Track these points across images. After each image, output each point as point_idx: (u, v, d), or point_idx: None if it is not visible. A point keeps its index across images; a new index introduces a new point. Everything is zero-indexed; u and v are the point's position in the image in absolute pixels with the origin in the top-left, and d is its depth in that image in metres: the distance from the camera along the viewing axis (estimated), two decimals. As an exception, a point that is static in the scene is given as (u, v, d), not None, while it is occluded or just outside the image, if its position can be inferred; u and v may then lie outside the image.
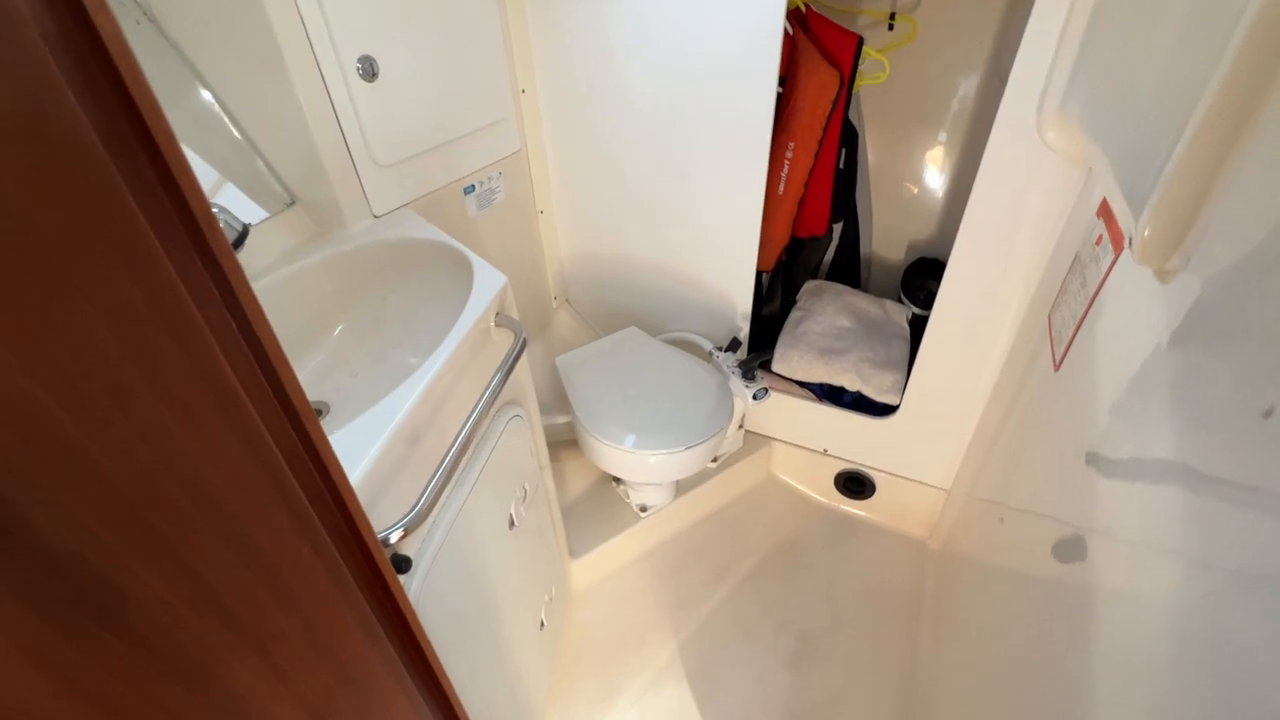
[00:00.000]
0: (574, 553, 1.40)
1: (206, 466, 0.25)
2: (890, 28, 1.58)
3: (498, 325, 0.91)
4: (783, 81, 1.37)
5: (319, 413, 0.89)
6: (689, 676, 1.30)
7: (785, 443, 1.66)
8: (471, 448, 0.86)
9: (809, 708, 1.25)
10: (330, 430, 0.63)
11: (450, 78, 1.18)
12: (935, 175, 1.77)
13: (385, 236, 1.03)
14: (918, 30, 1.55)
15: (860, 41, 1.38)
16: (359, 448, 0.63)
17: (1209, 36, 0.52)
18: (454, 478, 0.78)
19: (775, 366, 1.56)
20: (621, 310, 1.72)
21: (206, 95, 0.94)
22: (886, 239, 1.90)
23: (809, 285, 1.75)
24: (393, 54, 1.04)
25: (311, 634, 0.32)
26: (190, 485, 0.24)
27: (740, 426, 1.61)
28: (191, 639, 0.24)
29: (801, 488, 1.70)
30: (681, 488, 1.54)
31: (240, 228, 0.77)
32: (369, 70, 1.00)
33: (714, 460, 1.60)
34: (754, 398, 1.43)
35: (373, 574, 0.43)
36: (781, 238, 1.57)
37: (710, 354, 1.55)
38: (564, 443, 1.60)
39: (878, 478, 1.58)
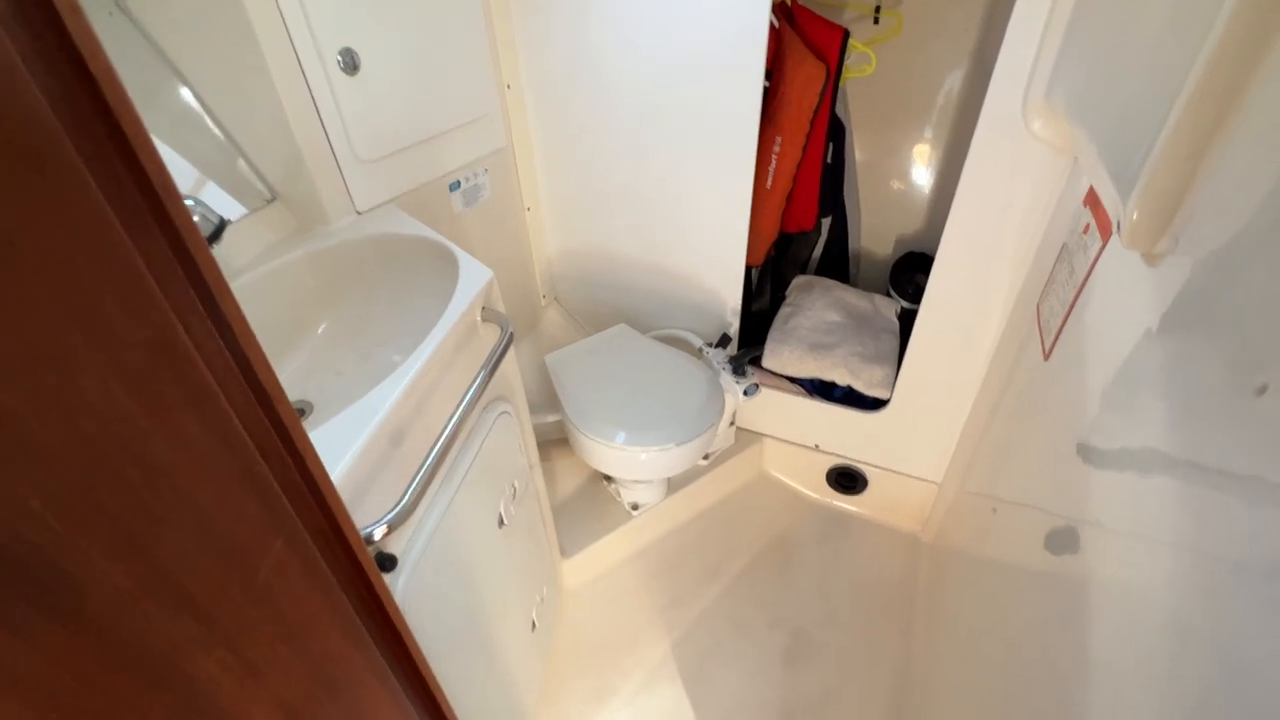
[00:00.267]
0: (565, 552, 1.39)
1: (169, 450, 0.24)
2: (876, 21, 1.58)
3: (484, 320, 0.90)
4: (769, 75, 1.37)
5: (302, 412, 0.87)
6: (683, 675, 1.29)
7: (776, 439, 1.66)
8: (458, 444, 0.84)
9: (804, 704, 1.24)
10: (312, 429, 0.61)
11: (433, 72, 1.16)
12: (922, 169, 1.77)
13: (368, 232, 1.01)
14: (903, 24, 1.55)
15: (846, 34, 1.38)
16: (341, 444, 0.61)
17: (1194, 17, 0.52)
18: (440, 474, 0.76)
19: (765, 362, 1.55)
20: (611, 307, 1.71)
21: (183, 89, 0.92)
22: (875, 233, 1.91)
23: (798, 280, 1.74)
24: (375, 47, 1.02)
25: (286, 629, 0.31)
26: (150, 469, 0.23)
27: (731, 423, 1.60)
28: (154, 631, 0.23)
29: (793, 484, 1.69)
30: (673, 485, 1.53)
31: (217, 221, 0.75)
32: (350, 63, 0.99)
33: (705, 457, 1.59)
34: (745, 394, 1.43)
35: (354, 570, 0.42)
36: (770, 232, 1.57)
37: (700, 350, 1.54)
38: (554, 441, 1.58)
39: (869, 472, 1.58)
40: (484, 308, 0.89)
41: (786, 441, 1.64)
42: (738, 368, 1.46)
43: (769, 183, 1.48)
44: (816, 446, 1.61)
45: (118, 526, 0.21)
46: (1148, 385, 0.57)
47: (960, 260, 1.21)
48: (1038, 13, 0.94)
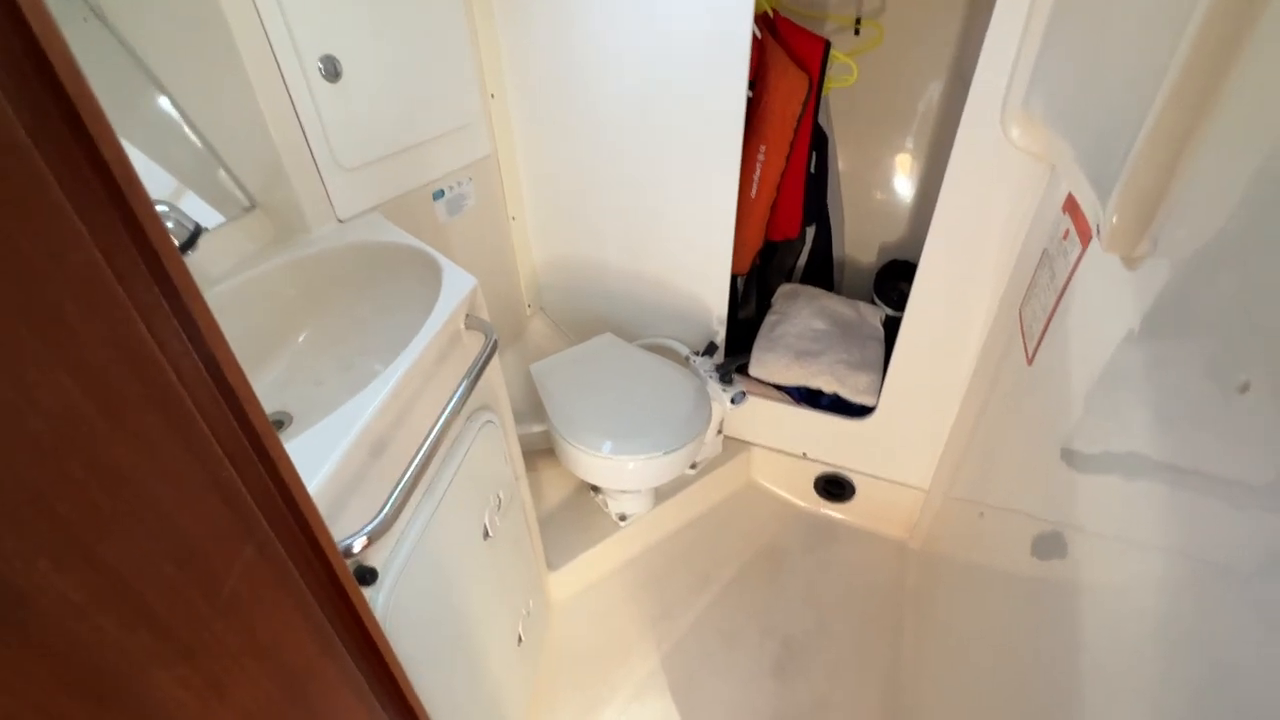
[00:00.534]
0: (552, 564, 1.37)
1: (127, 453, 0.23)
2: (857, 32, 1.60)
3: (468, 327, 0.88)
4: (753, 86, 1.38)
5: (281, 423, 0.85)
6: (673, 688, 1.27)
7: (764, 447, 1.65)
8: (441, 454, 0.83)
9: (795, 714, 1.23)
10: (291, 439, 0.59)
11: (416, 79, 1.15)
12: (904, 178, 1.79)
13: (350, 240, 1.00)
14: (883, 35, 1.58)
15: (828, 45, 1.40)
16: (319, 454, 0.60)
17: (1167, 23, 0.53)
18: (422, 484, 0.75)
19: (752, 370, 1.55)
20: (596, 317, 1.70)
21: (161, 98, 0.91)
22: (858, 242, 1.92)
23: (783, 289, 1.75)
24: (356, 54, 1.01)
25: (255, 643, 0.30)
26: (107, 472, 0.22)
27: (719, 432, 1.60)
28: (106, 646, 0.21)
29: (781, 492, 1.69)
30: (661, 495, 1.52)
31: (192, 227, 0.73)
32: (331, 70, 0.98)
33: (693, 466, 1.58)
34: (731, 402, 1.42)
35: (331, 583, 0.40)
36: (755, 240, 1.57)
37: (687, 359, 1.54)
38: (540, 452, 1.56)
39: (857, 479, 1.58)
40: (468, 315, 0.88)
41: (774, 450, 1.64)
42: (724, 376, 1.46)
43: (753, 192, 1.48)
44: (804, 454, 1.61)
45: (69, 534, 0.20)
46: (1130, 388, 0.57)
47: (943, 267, 1.22)
48: (1015, 23, 0.96)
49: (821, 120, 1.66)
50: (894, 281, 1.77)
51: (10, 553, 0.18)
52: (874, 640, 1.35)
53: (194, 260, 0.83)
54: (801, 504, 1.66)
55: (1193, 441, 0.46)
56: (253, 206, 0.99)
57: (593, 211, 1.53)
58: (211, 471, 0.27)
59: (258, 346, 0.90)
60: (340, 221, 1.05)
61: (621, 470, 1.25)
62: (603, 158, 1.43)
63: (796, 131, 1.41)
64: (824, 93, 1.51)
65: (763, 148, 1.43)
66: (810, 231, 1.82)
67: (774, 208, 1.54)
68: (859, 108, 1.73)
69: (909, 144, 1.74)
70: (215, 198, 0.95)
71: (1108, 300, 0.67)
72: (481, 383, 0.86)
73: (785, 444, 1.62)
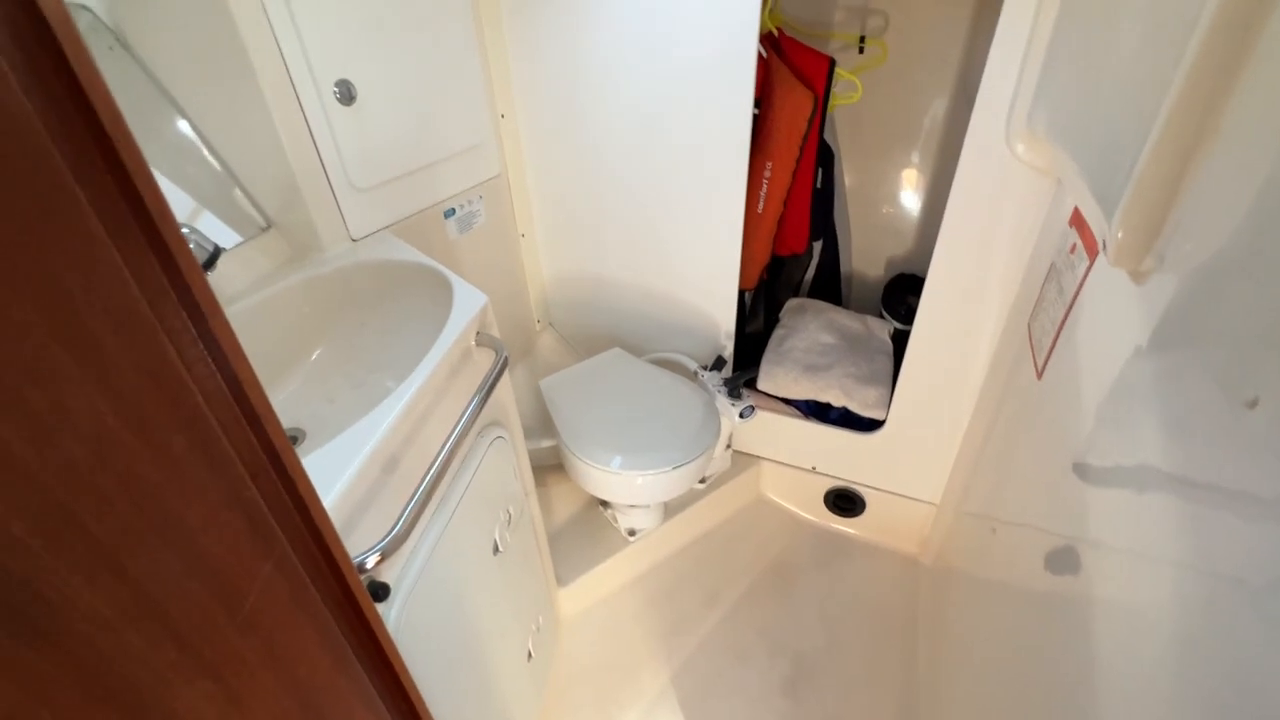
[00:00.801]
0: (561, 580, 1.37)
1: (155, 471, 0.24)
2: (861, 51, 1.62)
3: (479, 344, 0.89)
4: (759, 104, 1.39)
5: (294, 440, 0.87)
6: (683, 705, 1.26)
7: (773, 461, 1.65)
8: (452, 469, 0.83)
9: (807, 734, 1.21)
10: (304, 456, 0.60)
11: (429, 101, 1.18)
12: (910, 192, 1.80)
13: (363, 259, 1.01)
14: (887, 53, 1.60)
15: (832, 63, 1.42)
16: (333, 471, 0.61)
17: (1170, 38, 0.54)
18: (434, 501, 0.75)
19: (760, 384, 1.55)
20: (605, 332, 1.71)
21: (180, 121, 0.93)
22: (866, 256, 1.93)
23: (791, 303, 1.76)
24: (370, 78, 1.04)
25: (273, 658, 0.30)
26: (137, 491, 0.22)
27: (728, 446, 1.60)
28: (131, 658, 0.22)
29: (791, 507, 1.68)
30: (670, 510, 1.52)
31: (211, 248, 0.75)
32: (346, 94, 1.00)
33: (702, 481, 1.58)
34: (740, 416, 1.42)
35: (346, 599, 0.41)
36: (762, 256, 1.58)
37: (695, 373, 1.54)
38: (549, 467, 1.57)
39: (867, 494, 1.57)
40: (479, 332, 0.89)
41: (783, 464, 1.64)
42: (733, 390, 1.46)
43: (760, 207, 1.50)
44: (814, 469, 1.60)
45: (101, 551, 0.21)
46: (1140, 402, 0.57)
47: (950, 281, 1.22)
48: (1018, 40, 0.97)
49: (827, 136, 1.67)
50: (902, 295, 1.77)
51: (47, 568, 0.19)
52: (886, 657, 1.33)
53: (212, 280, 0.84)
54: (812, 519, 1.65)
55: (1203, 456, 0.46)
56: (269, 227, 1.01)
57: (601, 228, 1.55)
58: (234, 490, 0.28)
59: (272, 364, 0.92)
60: (354, 241, 1.07)
61: (631, 485, 1.25)
62: (611, 175, 1.45)
63: (802, 148, 1.42)
64: (829, 110, 1.53)
65: (769, 164, 1.44)
66: (817, 246, 1.83)
67: (781, 223, 1.55)
68: (864, 124, 1.74)
69: (915, 159, 1.75)
70: (233, 218, 0.97)
71: (1116, 314, 0.67)
72: (492, 399, 0.87)
73: (794, 458, 1.62)
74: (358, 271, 1.01)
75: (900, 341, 1.50)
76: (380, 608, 0.67)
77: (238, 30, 0.85)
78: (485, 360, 0.92)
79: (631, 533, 1.46)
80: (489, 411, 0.96)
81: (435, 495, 0.73)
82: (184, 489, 0.25)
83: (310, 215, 0.99)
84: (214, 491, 0.26)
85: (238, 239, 0.96)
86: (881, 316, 1.73)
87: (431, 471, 0.69)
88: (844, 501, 1.61)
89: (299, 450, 0.83)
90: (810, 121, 1.38)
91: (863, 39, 1.61)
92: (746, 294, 1.75)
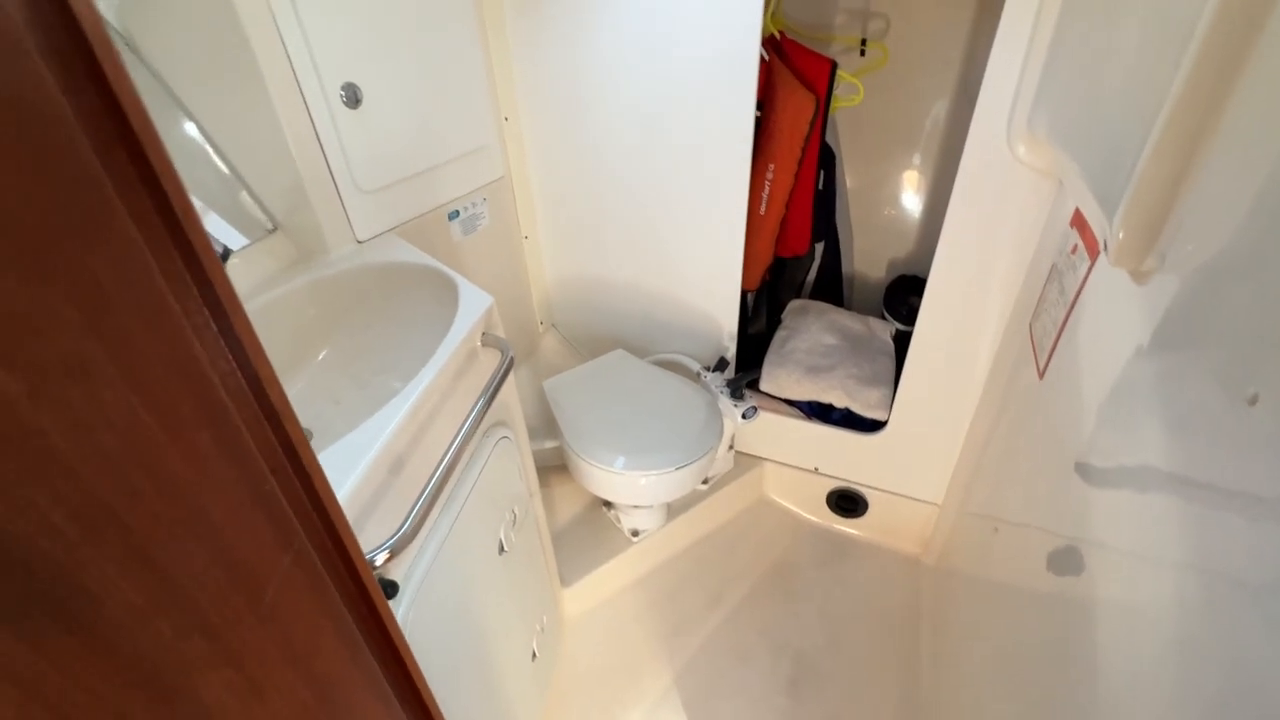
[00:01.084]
0: (565, 580, 1.37)
1: (183, 465, 0.24)
2: (862, 53, 1.63)
3: (484, 345, 0.90)
4: (761, 106, 1.40)
5: (301, 439, 0.87)
6: (686, 706, 1.26)
7: (776, 462, 1.65)
8: (458, 469, 0.84)
9: (810, 734, 1.22)
10: (312, 451, 0.61)
11: (433, 104, 1.19)
12: (912, 194, 1.81)
13: (368, 261, 1.02)
14: (888, 55, 1.60)
15: (834, 66, 1.43)
16: (341, 471, 0.61)
17: (1170, 39, 0.54)
18: (441, 500, 0.76)
19: (763, 385, 1.56)
20: (608, 333, 1.72)
21: (188, 124, 0.94)
22: (867, 257, 1.93)
23: (793, 304, 1.76)
24: (376, 81, 1.05)
25: (291, 650, 0.31)
26: (166, 484, 0.23)
27: (730, 447, 1.60)
28: (160, 646, 0.23)
29: (794, 508, 1.68)
30: (673, 511, 1.52)
31: (221, 250, 0.76)
32: (352, 97, 1.01)
33: (705, 482, 1.59)
34: (743, 417, 1.43)
35: (359, 593, 0.41)
36: (765, 257, 1.59)
37: (698, 374, 1.55)
38: (553, 468, 1.57)
39: (870, 495, 1.58)
40: (484, 333, 0.90)
41: (786, 465, 1.64)
42: (735, 391, 1.47)
43: (762, 209, 1.50)
44: (816, 469, 1.60)
45: (133, 542, 0.21)
46: (1142, 401, 0.58)
47: (952, 282, 1.23)
48: (1019, 42, 0.98)
49: (829, 138, 1.68)
50: (904, 296, 1.78)
51: (84, 557, 0.19)
52: (889, 657, 1.33)
53: (220, 281, 0.85)
54: (814, 519, 1.66)
55: (1204, 455, 0.46)
56: (275, 229, 1.01)
57: (604, 230, 1.56)
58: (255, 484, 0.28)
59: (278, 365, 0.91)
60: (359, 243, 1.08)
61: (634, 485, 1.26)
62: (614, 177, 1.45)
63: (804, 150, 1.43)
64: (831, 112, 1.53)
65: (771, 166, 1.45)
66: (819, 247, 1.83)
67: (783, 224, 1.56)
68: (866, 126, 1.75)
69: (916, 160, 1.76)
70: (239, 221, 0.98)
71: (1117, 315, 0.68)
72: (497, 399, 0.87)
73: (797, 459, 1.62)
74: (363, 273, 1.01)
75: (902, 342, 1.51)
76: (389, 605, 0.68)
77: (246, 35, 0.86)
78: (490, 361, 0.92)
79: (635, 533, 1.47)
80: (494, 412, 0.97)
81: (442, 494, 0.73)
82: (209, 482, 0.25)
83: (316, 217, 1.00)
84: (236, 485, 0.27)
85: (245, 241, 0.96)
86: (883, 317, 1.73)
87: (439, 471, 0.70)
88: (846, 502, 1.61)
89: (306, 450, 0.83)
90: (812, 124, 1.39)
91: (864, 42, 1.62)
92: (749, 295, 1.76)
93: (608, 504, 1.51)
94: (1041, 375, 0.92)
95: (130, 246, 0.22)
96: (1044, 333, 0.93)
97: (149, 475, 0.22)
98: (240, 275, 0.93)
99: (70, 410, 0.19)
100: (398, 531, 0.62)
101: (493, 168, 1.40)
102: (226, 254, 0.77)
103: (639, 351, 1.60)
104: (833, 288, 1.89)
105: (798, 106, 1.38)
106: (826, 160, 1.62)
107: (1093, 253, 0.79)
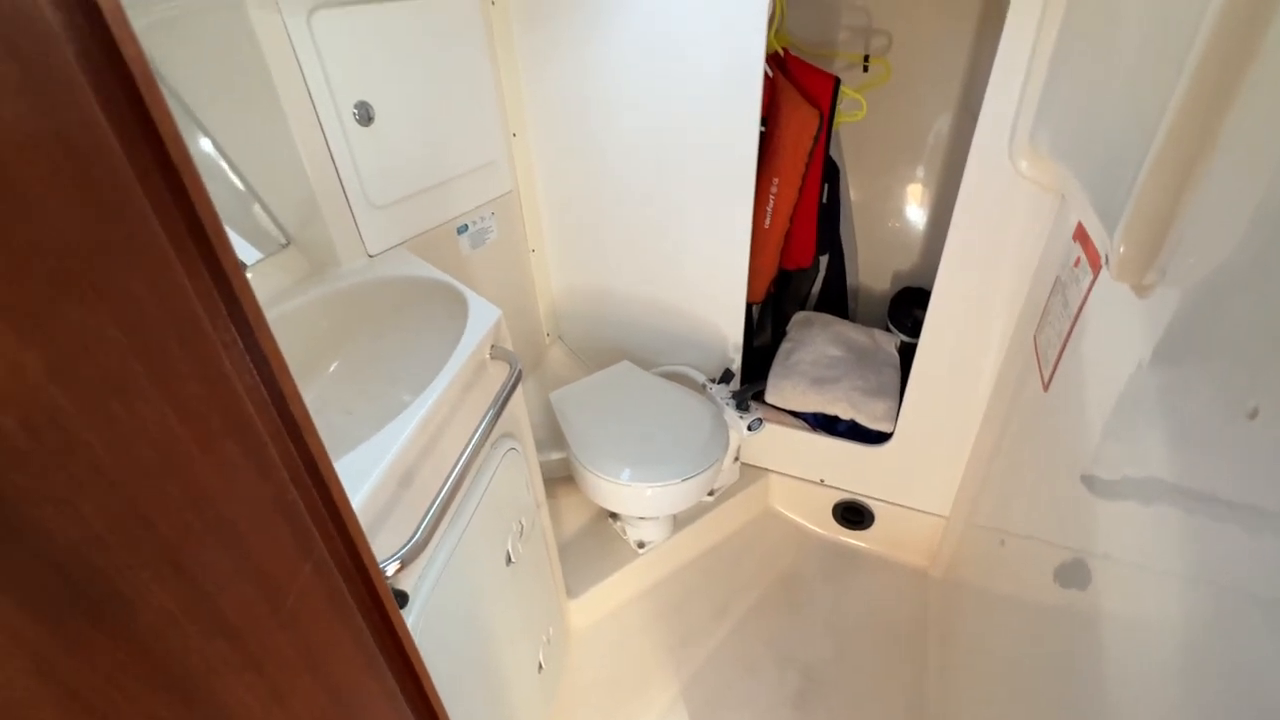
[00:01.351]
0: (572, 592, 1.37)
1: (212, 476, 0.25)
2: (865, 69, 1.65)
3: (493, 357, 0.91)
4: (765, 121, 1.42)
5: (312, 450, 0.88)
6: (692, 718, 1.26)
7: (782, 474, 1.65)
8: (468, 480, 0.85)
9: (817, 748, 1.21)
10: (325, 462, 0.62)
11: (443, 122, 1.21)
12: (916, 207, 1.82)
13: (379, 274, 1.04)
14: (891, 71, 1.62)
15: (837, 82, 1.44)
16: (353, 482, 0.62)
17: (1168, 55, 0.55)
18: (451, 510, 0.77)
19: (768, 397, 1.56)
20: (614, 345, 1.73)
21: (203, 140, 0.96)
22: (872, 270, 1.94)
23: (798, 316, 1.77)
24: (388, 100, 1.07)
25: (310, 656, 0.32)
26: (197, 494, 0.24)
27: (736, 459, 1.60)
28: (189, 650, 0.24)
29: (800, 519, 1.68)
30: (679, 522, 1.53)
31: (237, 265, 0.77)
32: (365, 115, 1.04)
33: (711, 494, 1.59)
34: (748, 428, 1.43)
35: (374, 602, 0.42)
36: (770, 269, 1.60)
37: (703, 386, 1.55)
38: (559, 479, 1.58)
39: (876, 507, 1.57)
40: (493, 345, 0.91)
41: (792, 476, 1.64)
42: (741, 403, 1.47)
43: (767, 222, 1.52)
44: (822, 481, 1.60)
45: (166, 548, 0.22)
46: (1145, 414, 0.58)
47: (956, 295, 1.24)
48: (1020, 59, 0.99)
49: (833, 152, 1.70)
50: (908, 308, 1.78)
51: (123, 565, 0.20)
52: (897, 670, 1.33)
53: (235, 295, 0.87)
54: (820, 531, 1.65)
55: (1208, 467, 0.47)
56: (288, 243, 1.03)
57: (610, 243, 1.57)
58: (278, 494, 0.29)
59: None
60: (370, 256, 1.09)
61: (640, 497, 1.26)
62: (620, 192, 1.47)
63: (808, 164, 1.44)
64: (834, 127, 1.55)
65: (776, 180, 1.46)
66: (824, 260, 1.85)
67: (788, 237, 1.57)
68: (870, 140, 1.77)
69: (920, 174, 1.77)
70: (253, 235, 1.00)
71: (1120, 328, 0.68)
72: (505, 411, 0.88)
73: (803, 470, 1.62)
74: (374, 287, 1.03)
75: (907, 354, 1.51)
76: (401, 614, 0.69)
77: (263, 56, 0.88)
78: (499, 373, 0.94)
79: (641, 545, 1.47)
80: (502, 423, 0.98)
81: (452, 505, 0.74)
82: (236, 493, 0.26)
83: (329, 232, 1.02)
84: (261, 495, 0.28)
85: (258, 255, 0.98)
86: (888, 329, 1.74)
87: (449, 481, 0.71)
88: (852, 514, 1.61)
89: (318, 461, 0.84)
90: (816, 138, 1.41)
91: (867, 58, 1.64)
92: (754, 307, 1.77)
93: (614, 515, 1.52)
94: (1046, 387, 0.92)
95: (167, 268, 0.23)
96: (1048, 345, 0.94)
97: (182, 485, 0.23)
98: (254, 289, 0.94)
99: (113, 424, 0.20)
100: (409, 541, 0.63)
101: (501, 182, 1.43)
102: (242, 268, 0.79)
103: (645, 363, 1.61)
104: (838, 300, 1.90)
105: (802, 122, 1.39)
106: (831, 174, 1.64)
107: (1095, 266, 0.79)
